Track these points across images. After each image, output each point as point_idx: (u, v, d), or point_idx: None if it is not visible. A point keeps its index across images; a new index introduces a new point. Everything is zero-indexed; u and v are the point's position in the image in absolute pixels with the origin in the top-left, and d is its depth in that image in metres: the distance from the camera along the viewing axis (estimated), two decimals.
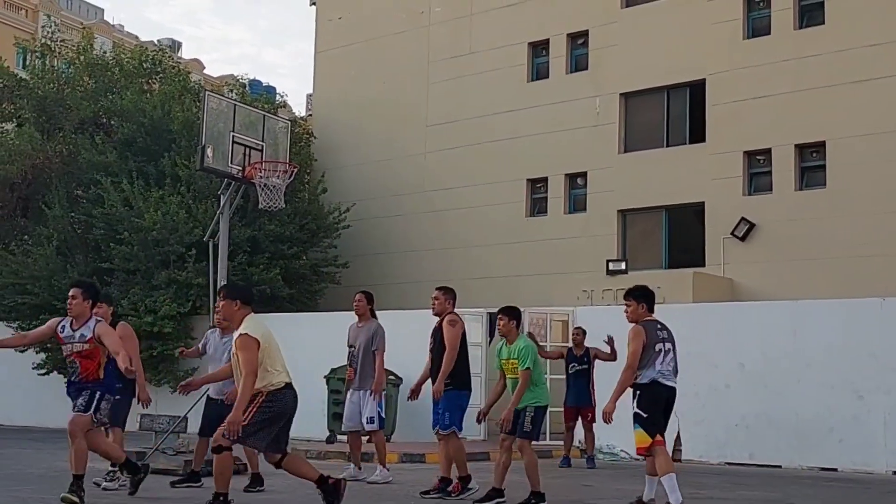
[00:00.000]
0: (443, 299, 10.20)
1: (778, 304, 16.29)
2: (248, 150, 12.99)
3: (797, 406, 14.59)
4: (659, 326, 8.54)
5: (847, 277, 19.57)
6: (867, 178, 20.36)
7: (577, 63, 24.97)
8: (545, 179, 24.90)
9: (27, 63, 34.29)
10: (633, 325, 8.53)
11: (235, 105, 13.85)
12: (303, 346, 19.39)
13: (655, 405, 8.31)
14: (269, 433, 7.65)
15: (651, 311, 8.69)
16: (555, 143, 24.37)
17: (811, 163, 21.60)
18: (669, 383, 8.41)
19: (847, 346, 14.41)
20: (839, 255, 20.22)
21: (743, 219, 21.67)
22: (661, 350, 8.38)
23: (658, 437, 8.26)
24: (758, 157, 22.13)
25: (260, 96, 29.14)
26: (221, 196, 13.25)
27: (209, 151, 12.49)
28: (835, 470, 13.97)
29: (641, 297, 8.65)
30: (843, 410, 14.22)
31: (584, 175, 24.38)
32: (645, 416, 8.27)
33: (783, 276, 20.74)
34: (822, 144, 21.22)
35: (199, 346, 10.74)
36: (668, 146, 23.57)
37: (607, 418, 8.28)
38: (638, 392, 8.34)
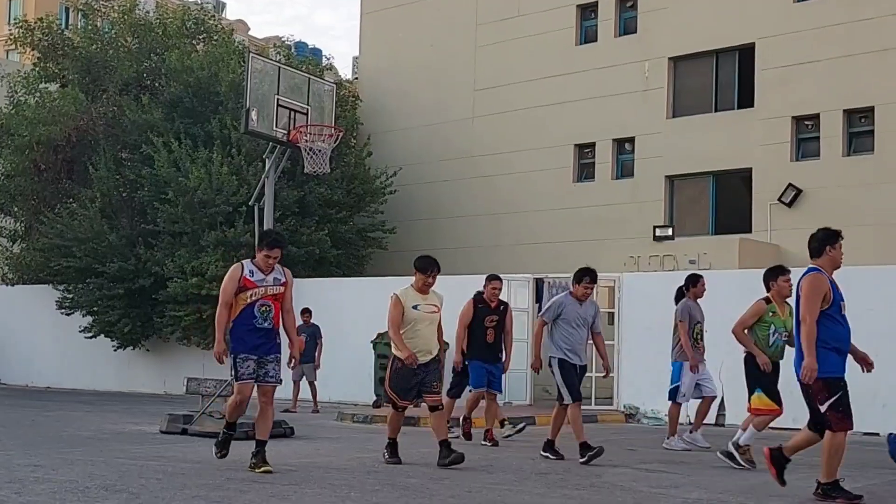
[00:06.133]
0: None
1: None
2: (293, 113, 13.08)
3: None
4: None
5: (893, 242, 19.37)
6: None
7: (626, 26, 24.80)
8: (593, 145, 24.84)
9: (69, 23, 34.61)
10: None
11: (280, 67, 13.91)
12: (350, 311, 19.73)
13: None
14: None
15: None
16: (603, 108, 24.27)
17: (859, 128, 21.35)
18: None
19: (891, 312, 14.34)
20: (886, 222, 20.00)
21: (790, 185, 21.50)
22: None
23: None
24: (806, 123, 21.89)
25: (305, 59, 29.18)
26: (266, 160, 13.43)
27: (254, 114, 12.62)
28: (877, 434, 13.94)
29: None
30: (888, 376, 14.13)
31: (631, 140, 24.28)
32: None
33: None
34: (871, 110, 20.95)
35: None
36: (716, 111, 23.39)
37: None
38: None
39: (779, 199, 21.65)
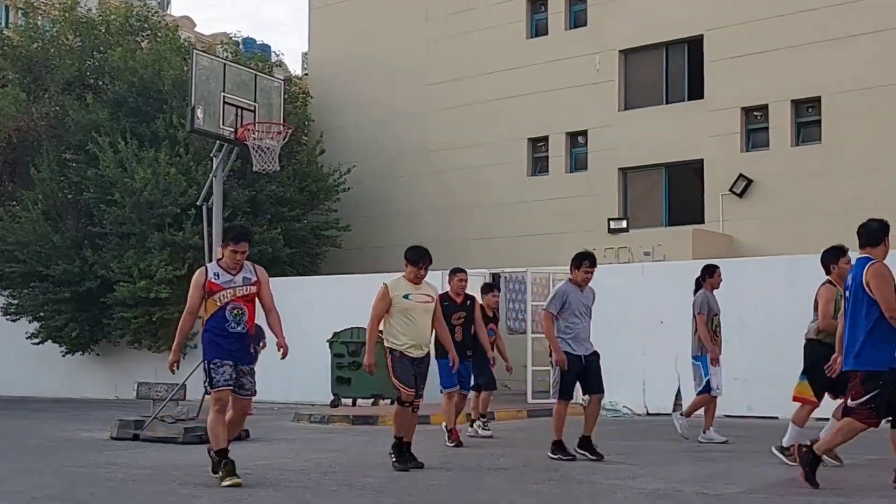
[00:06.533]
0: None
1: (776, 259, 16.38)
2: (240, 110, 12.86)
3: (794, 359, 14.61)
4: None
5: (843, 231, 19.51)
6: (862, 133, 20.36)
7: (577, 19, 24.82)
8: (546, 138, 24.85)
9: (9, 21, 33.86)
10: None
11: (226, 64, 13.64)
12: (305, 311, 19.53)
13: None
14: None
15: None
16: (555, 102, 24.28)
17: (807, 118, 21.58)
18: None
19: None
20: (835, 210, 20.22)
21: (741, 175, 21.68)
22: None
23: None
24: (755, 114, 22.09)
25: (253, 55, 28.86)
26: (214, 158, 13.21)
27: (199, 112, 12.39)
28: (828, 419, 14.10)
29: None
30: None
31: (584, 133, 24.34)
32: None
33: (781, 232, 20.78)
34: (818, 100, 21.19)
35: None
36: (667, 103, 23.51)
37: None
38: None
39: (730, 190, 21.82)
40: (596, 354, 9.51)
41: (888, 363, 6.97)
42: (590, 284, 9.54)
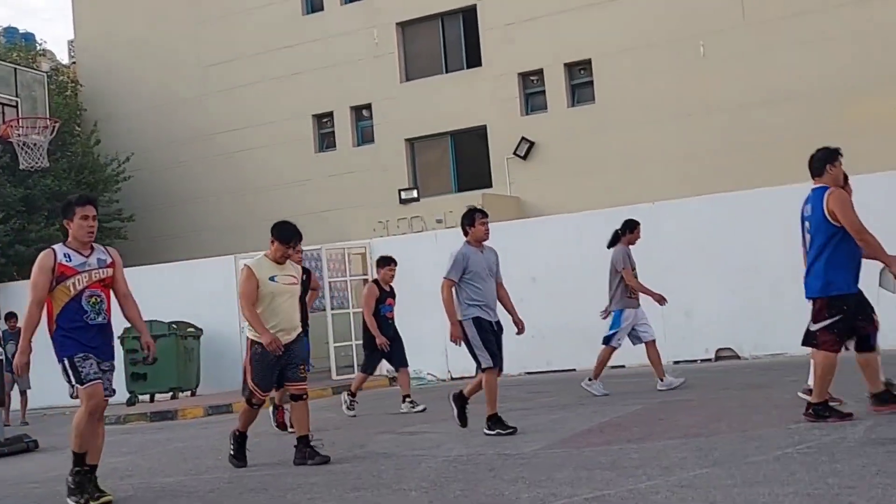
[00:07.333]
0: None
1: (562, 218, 16.98)
2: (1, 107, 12.12)
3: (585, 312, 15.21)
4: None
5: (621, 186, 20.60)
6: (631, 92, 21.42)
7: None
8: (331, 114, 24.74)
9: None
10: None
11: None
12: None
13: None
14: None
15: None
16: (337, 77, 24.17)
17: (580, 80, 22.47)
18: None
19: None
20: (613, 166, 21.23)
21: (523, 138, 22.35)
22: None
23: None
24: (531, 78, 22.79)
25: (15, 45, 27.16)
26: None
27: None
28: (623, 367, 14.84)
29: None
30: None
31: (368, 107, 24.38)
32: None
33: (565, 191, 21.60)
34: (589, 62, 22.10)
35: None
36: (447, 72, 23.87)
37: None
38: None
39: (514, 153, 22.46)
40: (500, 325, 8.57)
41: (853, 286, 7.05)
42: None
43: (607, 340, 11.06)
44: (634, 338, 11.11)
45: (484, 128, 23.11)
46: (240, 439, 7.97)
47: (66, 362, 6.54)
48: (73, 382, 6.55)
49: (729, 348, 14.85)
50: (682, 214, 15.21)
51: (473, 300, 8.37)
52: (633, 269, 11.00)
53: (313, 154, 24.87)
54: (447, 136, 23.82)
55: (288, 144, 24.80)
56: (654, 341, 11.08)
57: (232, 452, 7.98)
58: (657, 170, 20.64)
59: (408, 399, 11.26)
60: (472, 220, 8.56)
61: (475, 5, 23.09)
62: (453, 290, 8.41)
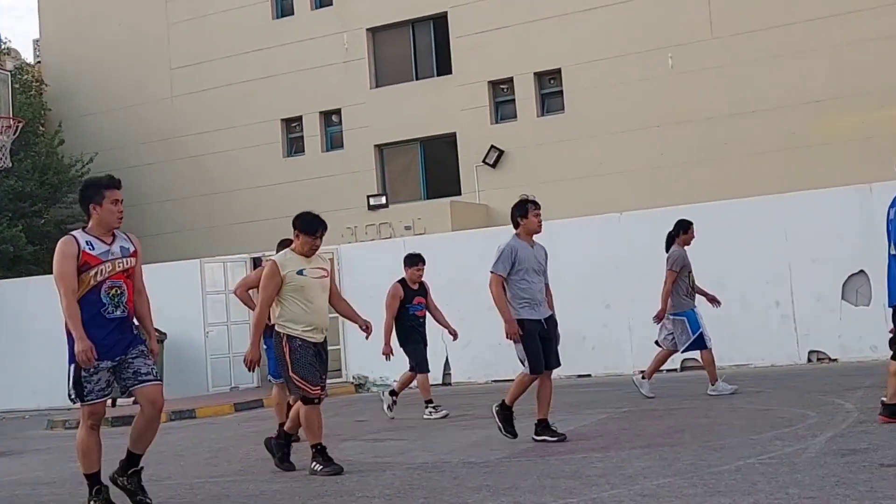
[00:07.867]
0: None
1: None
2: None
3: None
4: None
5: (590, 196, 20.70)
6: (600, 102, 21.54)
7: None
8: (300, 118, 24.66)
9: None
10: None
11: None
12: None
13: None
14: None
15: None
16: (307, 81, 24.11)
17: (550, 89, 22.58)
18: None
19: (595, 259, 15.28)
20: (581, 175, 21.32)
21: (492, 146, 22.40)
22: None
23: None
24: (501, 87, 22.87)
25: None
26: None
27: None
28: (589, 376, 14.89)
29: None
30: (594, 320, 15.12)
31: (338, 112, 24.34)
32: None
33: None
34: (559, 72, 22.20)
35: None
36: (417, 79, 23.89)
37: None
38: None
39: (483, 161, 22.50)
40: (554, 320, 8.03)
41: None
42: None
43: (699, 344, 10.61)
44: (665, 340, 10.90)
45: (454, 135, 23.13)
46: (322, 452, 7.15)
47: (72, 370, 6.01)
48: (74, 397, 6.10)
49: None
50: (650, 224, 15.29)
51: (522, 298, 7.80)
52: (690, 271, 10.69)
53: (282, 158, 24.77)
54: (417, 142, 23.82)
55: (257, 148, 24.69)
56: (673, 352, 10.99)
57: (322, 467, 7.08)
58: (626, 180, 20.75)
59: (430, 404, 10.92)
60: (525, 211, 8.00)
61: (446, 13, 23.13)
62: (503, 285, 7.82)
